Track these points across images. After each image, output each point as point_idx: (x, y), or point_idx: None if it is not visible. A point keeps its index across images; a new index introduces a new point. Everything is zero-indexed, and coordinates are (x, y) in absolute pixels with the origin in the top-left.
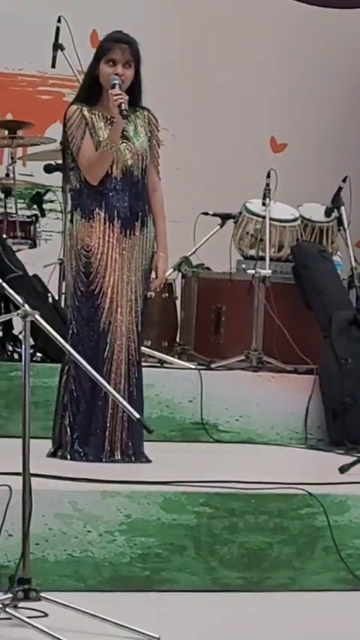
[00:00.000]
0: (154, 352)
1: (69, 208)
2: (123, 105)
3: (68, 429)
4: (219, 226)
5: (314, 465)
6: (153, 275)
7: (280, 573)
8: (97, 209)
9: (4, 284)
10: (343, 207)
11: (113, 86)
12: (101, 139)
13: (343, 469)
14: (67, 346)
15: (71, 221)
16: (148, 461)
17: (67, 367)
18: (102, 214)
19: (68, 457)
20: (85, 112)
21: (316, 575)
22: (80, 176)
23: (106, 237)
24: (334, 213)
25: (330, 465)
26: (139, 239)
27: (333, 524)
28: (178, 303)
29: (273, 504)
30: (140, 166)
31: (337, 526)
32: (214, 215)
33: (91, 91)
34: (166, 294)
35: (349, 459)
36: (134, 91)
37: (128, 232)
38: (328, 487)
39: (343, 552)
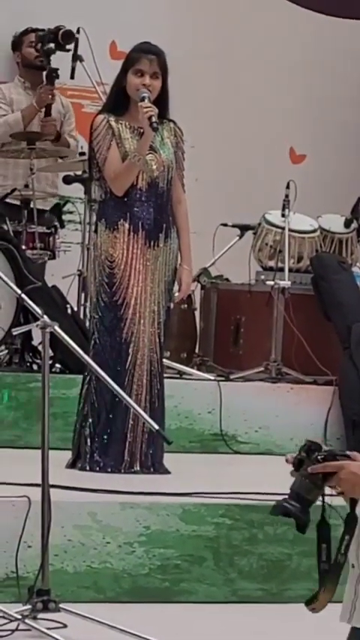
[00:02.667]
0: (173, 363)
1: (94, 219)
2: (153, 117)
3: (88, 440)
4: (238, 237)
5: None
6: (176, 287)
7: (300, 585)
8: (121, 220)
9: (24, 295)
10: None
11: (142, 99)
12: (127, 149)
13: None
14: (87, 357)
15: (95, 231)
16: (168, 472)
17: (88, 378)
18: (126, 225)
19: (87, 468)
20: (112, 122)
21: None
22: (105, 187)
23: (131, 248)
24: (354, 224)
25: None
26: (163, 250)
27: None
28: (197, 314)
29: None
30: (166, 178)
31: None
32: (234, 226)
33: (118, 102)
34: (186, 306)
35: None
36: (161, 102)
37: (152, 243)
38: None
39: None
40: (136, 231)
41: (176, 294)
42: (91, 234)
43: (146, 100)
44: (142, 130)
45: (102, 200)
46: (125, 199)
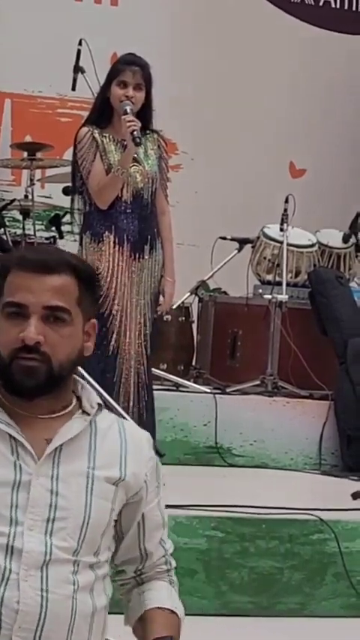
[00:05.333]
0: (170, 375)
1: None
2: (135, 132)
3: None
4: (236, 251)
5: (327, 491)
6: (161, 299)
7: (290, 599)
8: (106, 232)
9: None
10: None
11: (125, 112)
12: (111, 162)
13: (356, 495)
14: (79, 368)
15: (80, 244)
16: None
17: None
18: (111, 237)
19: None
20: (97, 135)
21: (326, 601)
22: (89, 198)
23: (116, 260)
24: (352, 240)
25: (343, 490)
26: (148, 262)
27: (344, 551)
28: (194, 326)
29: (284, 530)
30: (150, 189)
31: (348, 552)
32: (232, 239)
33: (103, 113)
34: (183, 318)
35: None
36: (145, 113)
37: (137, 255)
38: (340, 513)
39: (354, 579)
40: (121, 243)
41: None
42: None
43: (129, 112)
44: (125, 143)
45: (86, 212)
46: (110, 211)
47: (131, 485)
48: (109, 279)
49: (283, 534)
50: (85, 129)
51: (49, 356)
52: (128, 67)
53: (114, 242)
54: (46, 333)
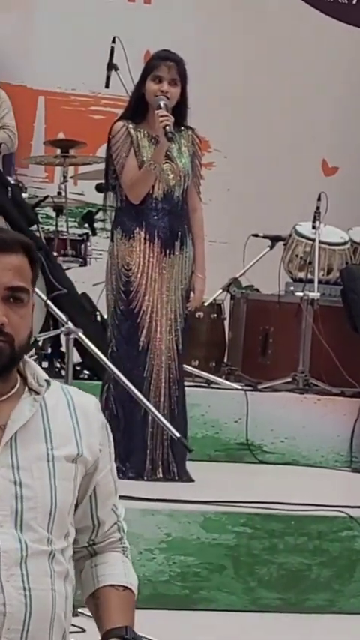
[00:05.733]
0: (201, 372)
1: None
2: (168, 127)
3: None
4: (269, 248)
5: (357, 488)
6: (192, 295)
7: (319, 595)
8: (137, 228)
9: (49, 301)
10: None
11: (159, 107)
12: (145, 158)
13: None
14: (110, 364)
15: (112, 239)
16: (191, 480)
17: (106, 385)
18: (142, 233)
19: None
20: (131, 130)
21: (355, 598)
22: (121, 194)
23: (146, 256)
24: None
25: None
26: (179, 258)
27: None
28: (226, 323)
29: (313, 526)
30: (182, 187)
31: None
32: (264, 237)
33: (138, 109)
34: (215, 315)
35: None
36: (180, 110)
37: (168, 252)
38: None
39: None
40: (151, 240)
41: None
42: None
43: (163, 107)
44: (159, 139)
45: (118, 208)
46: (141, 207)
47: (88, 458)
48: (139, 275)
49: (312, 531)
50: (119, 123)
51: (13, 337)
52: (163, 63)
53: (144, 238)
54: (7, 314)
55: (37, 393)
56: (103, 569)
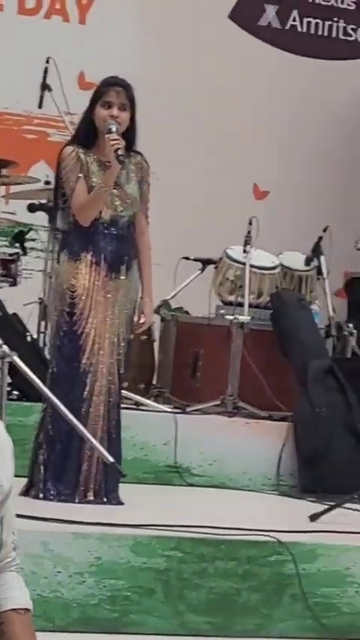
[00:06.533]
0: (131, 394)
1: (56, 248)
2: (119, 151)
3: (42, 468)
4: (199, 271)
5: (285, 512)
6: (137, 319)
7: (247, 619)
8: (84, 251)
9: None
10: (322, 257)
11: (109, 131)
12: (94, 183)
13: (313, 517)
14: (44, 388)
15: (57, 261)
16: (121, 503)
17: (45, 406)
18: (89, 257)
19: (41, 496)
20: (81, 155)
21: (283, 623)
22: (70, 217)
23: (92, 279)
24: (314, 262)
25: (301, 512)
26: (124, 282)
27: (301, 572)
28: (156, 345)
29: (243, 551)
30: (130, 211)
31: (305, 574)
32: (195, 260)
33: (87, 135)
34: (145, 337)
35: (321, 507)
36: (129, 135)
37: (114, 275)
38: (298, 535)
39: (311, 600)
40: (98, 263)
41: (138, 326)
42: (53, 262)
43: (114, 132)
44: (109, 165)
45: (65, 230)
46: (89, 230)
47: (5, 487)
48: (84, 297)
49: (241, 555)
50: (69, 148)
51: None
52: (112, 88)
53: (91, 261)
54: None
55: None
56: (3, 591)
